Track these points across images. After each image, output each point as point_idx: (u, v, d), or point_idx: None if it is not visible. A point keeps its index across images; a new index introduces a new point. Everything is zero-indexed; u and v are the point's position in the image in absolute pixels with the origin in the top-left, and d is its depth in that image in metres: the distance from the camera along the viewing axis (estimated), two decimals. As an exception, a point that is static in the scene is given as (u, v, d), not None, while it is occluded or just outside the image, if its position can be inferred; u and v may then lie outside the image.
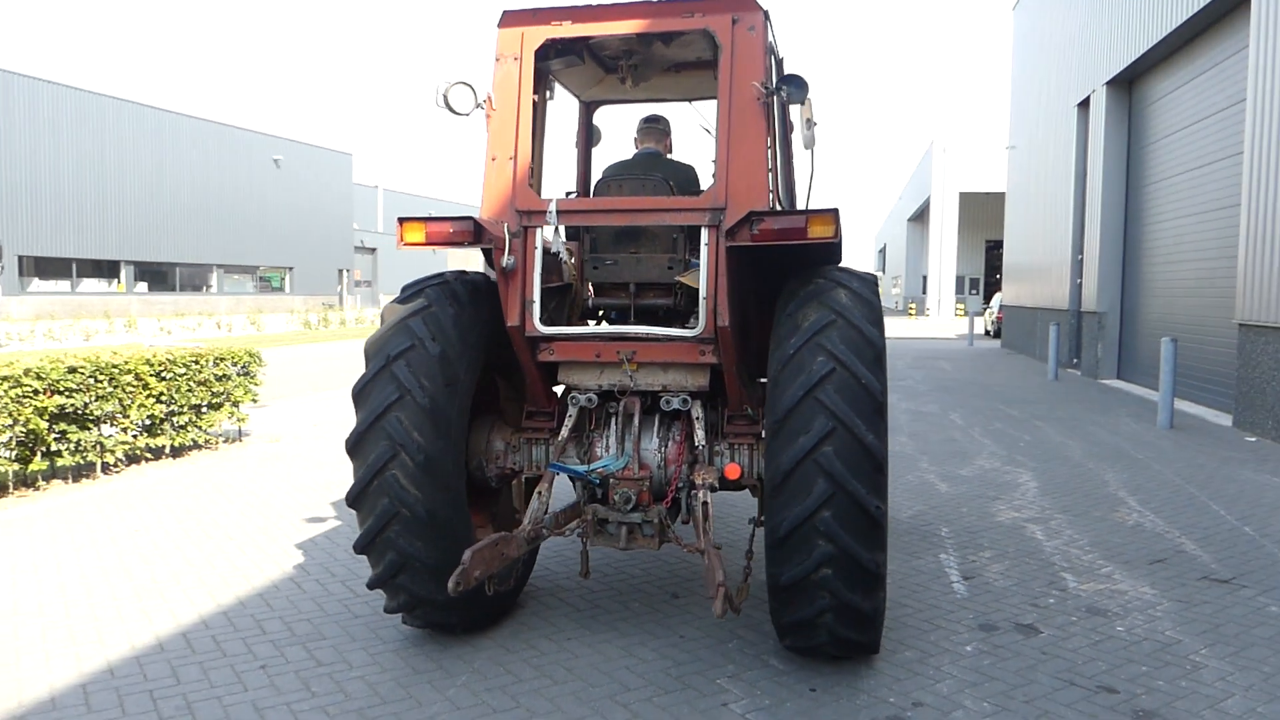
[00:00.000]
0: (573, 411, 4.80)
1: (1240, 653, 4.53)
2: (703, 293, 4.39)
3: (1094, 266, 17.64)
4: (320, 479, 8.70)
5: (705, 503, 4.40)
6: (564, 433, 4.78)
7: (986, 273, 63.65)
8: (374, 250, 67.66)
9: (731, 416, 4.78)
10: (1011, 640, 4.70)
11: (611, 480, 4.59)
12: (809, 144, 4.94)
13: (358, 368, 21.50)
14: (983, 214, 51.98)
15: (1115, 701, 4.01)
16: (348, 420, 12.47)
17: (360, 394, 4.35)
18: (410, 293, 4.63)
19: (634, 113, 5.87)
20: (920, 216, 62.27)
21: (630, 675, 4.32)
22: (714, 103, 6.06)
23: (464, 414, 4.45)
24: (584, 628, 4.91)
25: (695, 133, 6.28)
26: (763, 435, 4.75)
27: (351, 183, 62.73)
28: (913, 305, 50.51)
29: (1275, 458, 9.49)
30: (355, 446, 4.31)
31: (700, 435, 4.62)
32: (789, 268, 4.56)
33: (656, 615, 5.08)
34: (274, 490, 8.22)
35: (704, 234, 4.40)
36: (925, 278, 53.52)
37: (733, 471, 4.62)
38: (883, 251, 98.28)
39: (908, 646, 4.61)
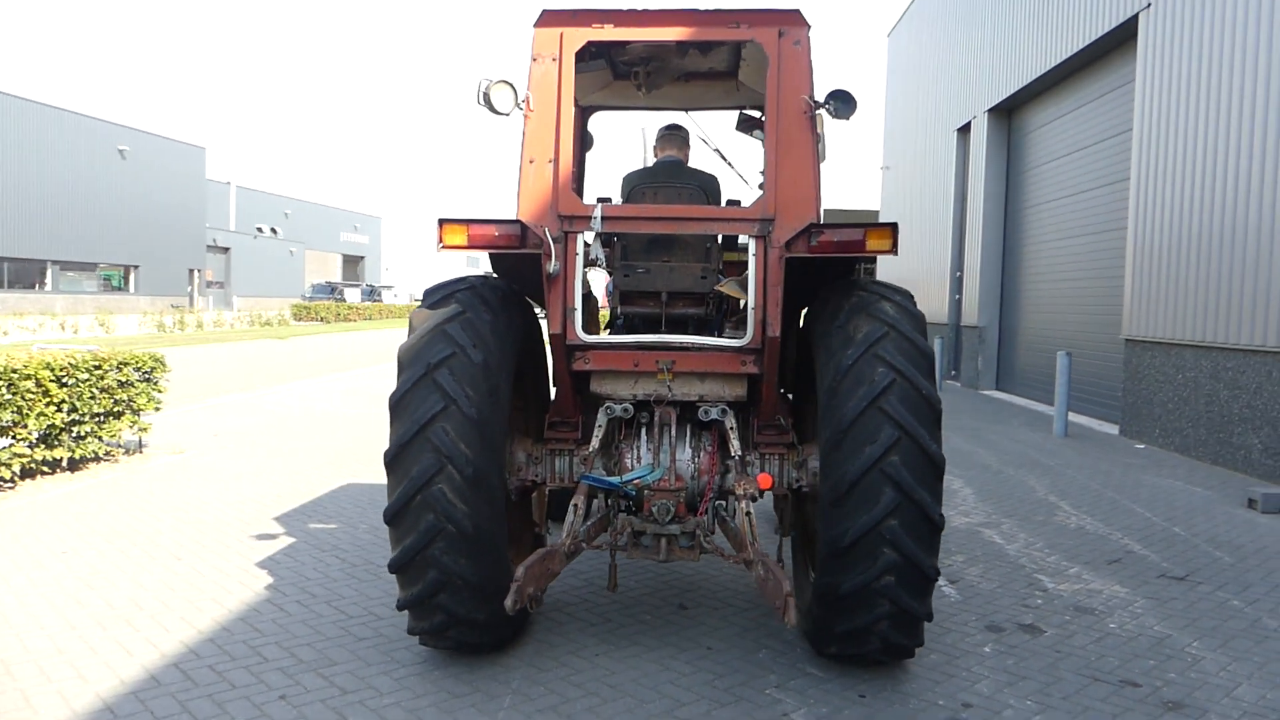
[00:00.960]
0: (603, 422, 4.70)
1: (1226, 645, 4.88)
2: (751, 303, 4.39)
3: (974, 283, 18.68)
4: (248, 492, 8.17)
5: (748, 513, 4.40)
6: (594, 444, 4.67)
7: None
8: (227, 250, 64.20)
9: (762, 426, 4.79)
10: (1022, 640, 4.90)
11: (646, 492, 4.52)
12: (821, 158, 5.03)
13: (239, 375, 20.48)
14: (844, 230, 54.20)
15: (1142, 695, 4.24)
16: (250, 430, 11.82)
17: (399, 404, 4.12)
18: (439, 297, 4.42)
19: (616, 120, 5.83)
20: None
21: (677, 689, 4.25)
22: (710, 114, 6.12)
23: (505, 425, 4.29)
24: (605, 642, 4.80)
25: (729, 142, 6.32)
26: (792, 444, 4.80)
27: (204, 178, 59.35)
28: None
29: (1169, 463, 10.32)
30: (395, 459, 4.08)
31: (735, 445, 4.61)
32: (812, 280, 4.62)
33: (672, 627, 5.03)
34: (202, 505, 7.67)
35: (752, 244, 4.40)
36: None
37: (765, 481, 4.63)
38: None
39: (930, 650, 4.73)
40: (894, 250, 4.15)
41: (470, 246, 4.24)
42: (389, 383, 19.44)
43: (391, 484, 4.12)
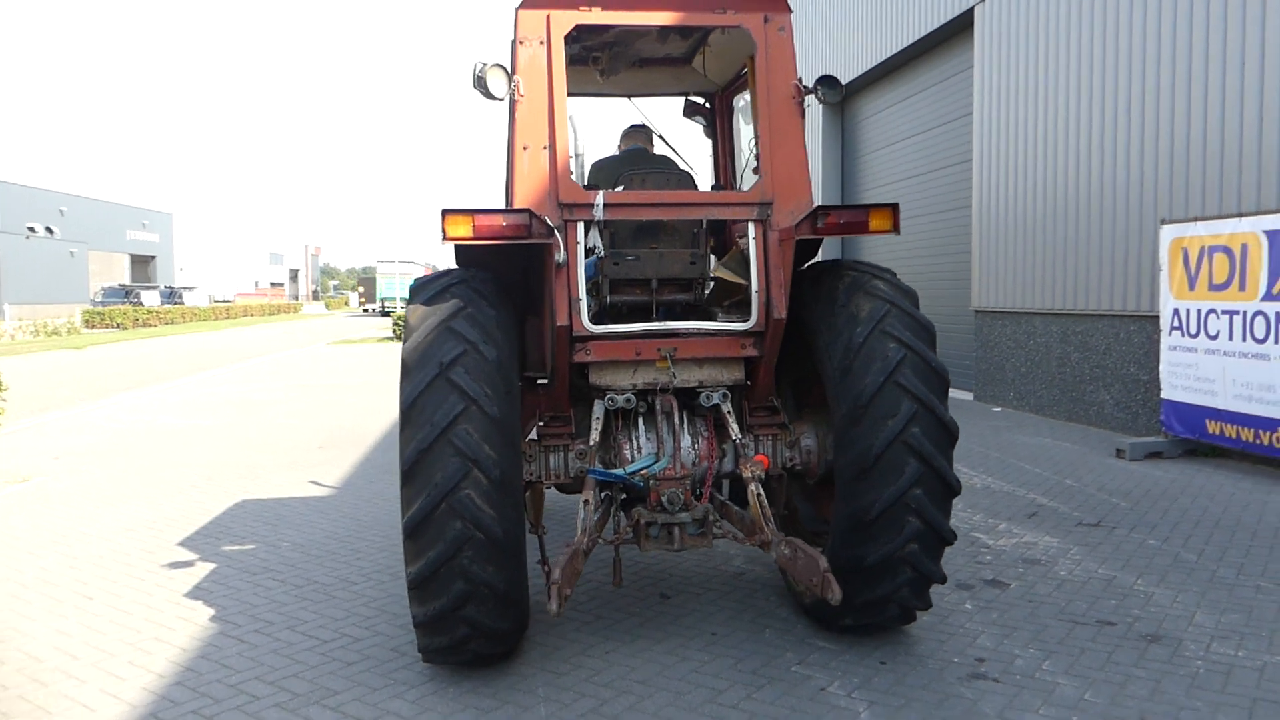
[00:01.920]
0: (600, 414, 4.59)
1: (1164, 579, 5.39)
2: (754, 286, 4.40)
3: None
4: (129, 518, 7.43)
5: (759, 494, 4.43)
6: (594, 437, 4.56)
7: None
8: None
9: (754, 408, 4.83)
10: (993, 594, 5.21)
11: (653, 481, 4.46)
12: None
13: (48, 391, 18.39)
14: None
15: (1121, 632, 4.62)
16: (94, 450, 10.72)
17: (413, 408, 3.86)
18: (433, 292, 4.17)
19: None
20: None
21: (705, 677, 4.23)
22: (661, 99, 6.08)
23: (520, 424, 4.11)
24: (609, 639, 4.71)
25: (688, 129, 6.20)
26: (784, 424, 4.86)
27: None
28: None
29: (1029, 423, 11.24)
30: (414, 467, 3.82)
31: (735, 429, 4.63)
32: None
33: (666, 617, 5.00)
34: (84, 537, 6.90)
35: (751, 228, 4.41)
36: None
37: (763, 463, 4.68)
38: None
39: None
40: (896, 229, 4.28)
41: (476, 238, 4.03)
42: (225, 391, 18.27)
43: (409, 494, 3.86)
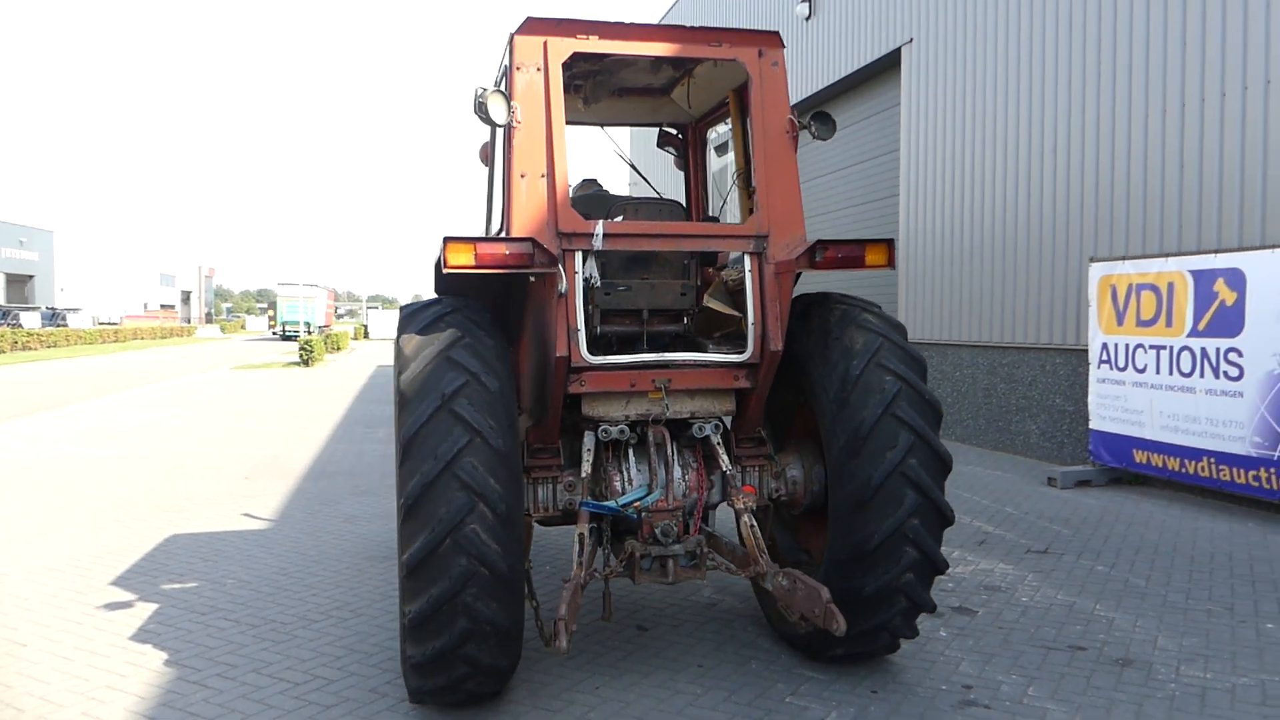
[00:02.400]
0: (590, 445, 4.53)
1: (1120, 604, 5.60)
2: (751, 318, 4.43)
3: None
4: (49, 557, 6.96)
5: (753, 525, 4.44)
6: (585, 469, 4.49)
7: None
8: None
9: (742, 439, 4.84)
10: (965, 621, 5.33)
11: (645, 514, 4.42)
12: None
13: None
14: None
15: (1094, 656, 4.77)
16: None
17: (415, 440, 3.73)
18: (428, 321, 4.06)
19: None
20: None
21: (703, 711, 4.19)
22: (627, 130, 6.09)
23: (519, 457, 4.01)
24: (595, 674, 4.61)
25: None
26: (770, 455, 4.89)
27: None
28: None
29: (959, 453, 11.57)
30: (417, 502, 3.68)
31: (725, 460, 4.63)
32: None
33: (647, 651, 4.94)
34: (10, 577, 6.43)
35: (746, 260, 4.44)
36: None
37: (750, 493, 4.69)
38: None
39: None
40: (891, 264, 4.37)
41: (478, 266, 3.94)
42: (129, 418, 17.44)
43: (410, 530, 3.72)
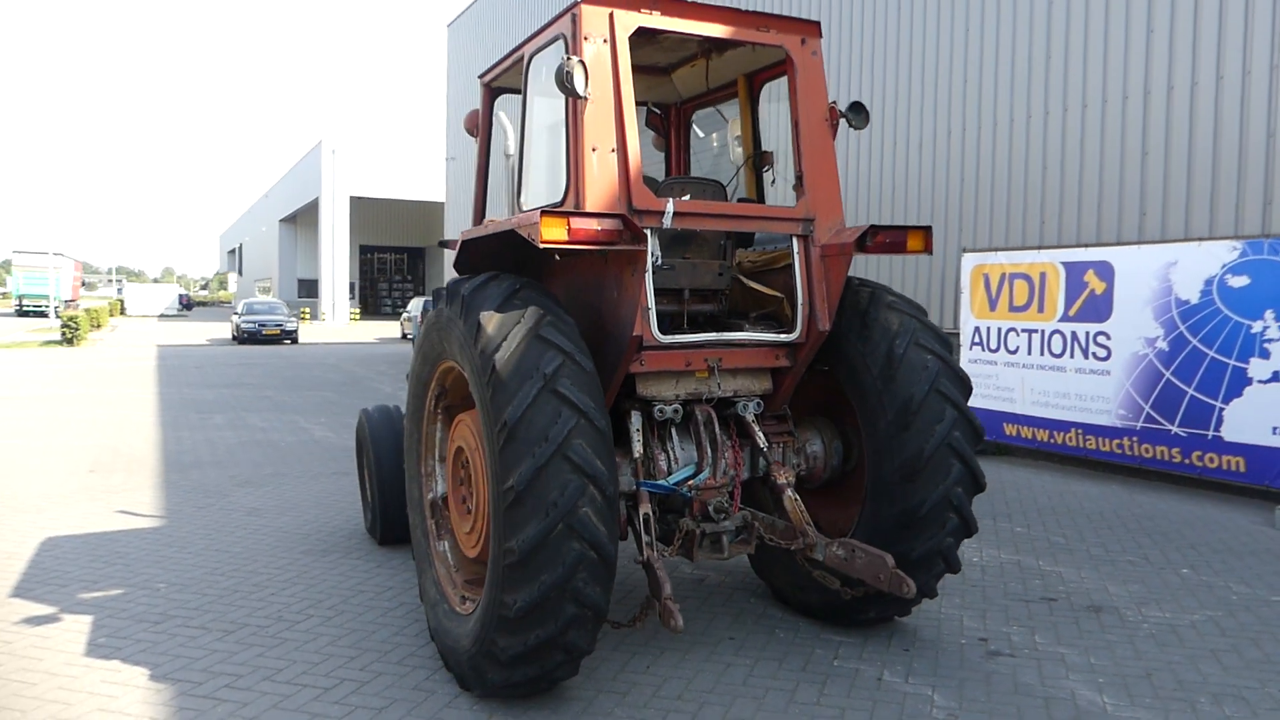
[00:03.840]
0: (639, 425, 4.50)
1: (1057, 559, 6.24)
2: (800, 299, 4.55)
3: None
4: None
5: (796, 499, 4.59)
6: (636, 449, 4.45)
7: (361, 277, 65.14)
8: None
9: (766, 417, 4.96)
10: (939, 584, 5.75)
11: (695, 492, 4.47)
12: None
13: None
14: (358, 219, 52.89)
15: (1067, 605, 5.31)
16: None
17: (520, 424, 3.56)
18: (502, 296, 3.89)
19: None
20: (294, 218, 60.93)
21: (765, 679, 4.29)
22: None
23: None
24: (633, 654, 4.60)
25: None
26: (791, 431, 5.04)
27: None
28: (305, 310, 49.23)
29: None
30: (530, 486, 3.53)
31: (761, 437, 4.73)
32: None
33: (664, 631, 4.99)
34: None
35: (795, 243, 4.56)
36: (316, 282, 52.56)
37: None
38: (235, 252, 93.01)
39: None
40: (929, 249, 4.63)
41: (571, 241, 3.79)
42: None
43: (519, 516, 3.55)
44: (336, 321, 48.58)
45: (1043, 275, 8.87)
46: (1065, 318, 8.67)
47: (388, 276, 71.85)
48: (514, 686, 3.87)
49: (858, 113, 4.80)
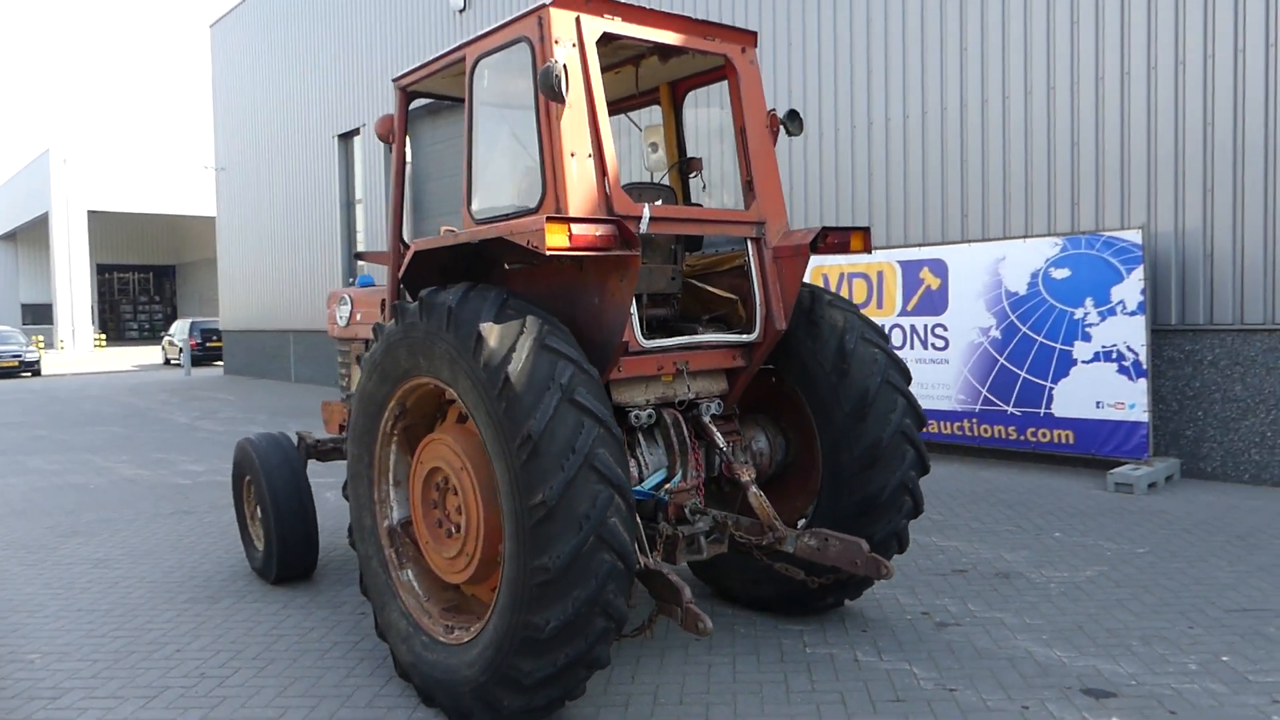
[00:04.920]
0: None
1: (946, 534, 6.76)
2: (758, 300, 4.65)
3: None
4: None
5: (760, 494, 4.70)
6: None
7: (100, 300, 58.98)
8: None
9: (714, 416, 5.02)
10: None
11: (669, 495, 4.48)
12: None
13: None
14: (95, 236, 47.97)
15: (981, 575, 5.75)
16: None
17: (545, 435, 3.42)
18: (494, 307, 3.72)
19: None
20: (14, 236, 54.27)
21: (787, 665, 4.37)
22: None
23: None
24: (632, 659, 4.55)
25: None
26: (737, 430, 5.15)
27: None
28: (39, 338, 43.74)
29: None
30: (561, 500, 3.39)
31: (719, 437, 4.80)
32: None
33: (662, 626, 4.96)
34: None
35: (750, 246, 4.67)
36: (49, 306, 46.91)
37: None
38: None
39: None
40: (869, 249, 4.88)
41: (572, 248, 3.68)
42: None
43: (550, 533, 3.40)
44: (78, 349, 43.66)
45: (880, 274, 9.56)
46: (904, 312, 9.40)
47: (131, 298, 65.68)
48: (532, 713, 3.70)
49: (793, 120, 5.00)
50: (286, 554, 5.82)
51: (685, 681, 4.33)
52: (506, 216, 4.34)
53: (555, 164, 4.02)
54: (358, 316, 6.45)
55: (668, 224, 4.36)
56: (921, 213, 9.91)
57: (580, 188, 4.03)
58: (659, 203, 4.55)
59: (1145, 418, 7.81)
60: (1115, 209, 8.37)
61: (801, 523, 4.97)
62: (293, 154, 22.19)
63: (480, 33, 4.50)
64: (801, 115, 5.16)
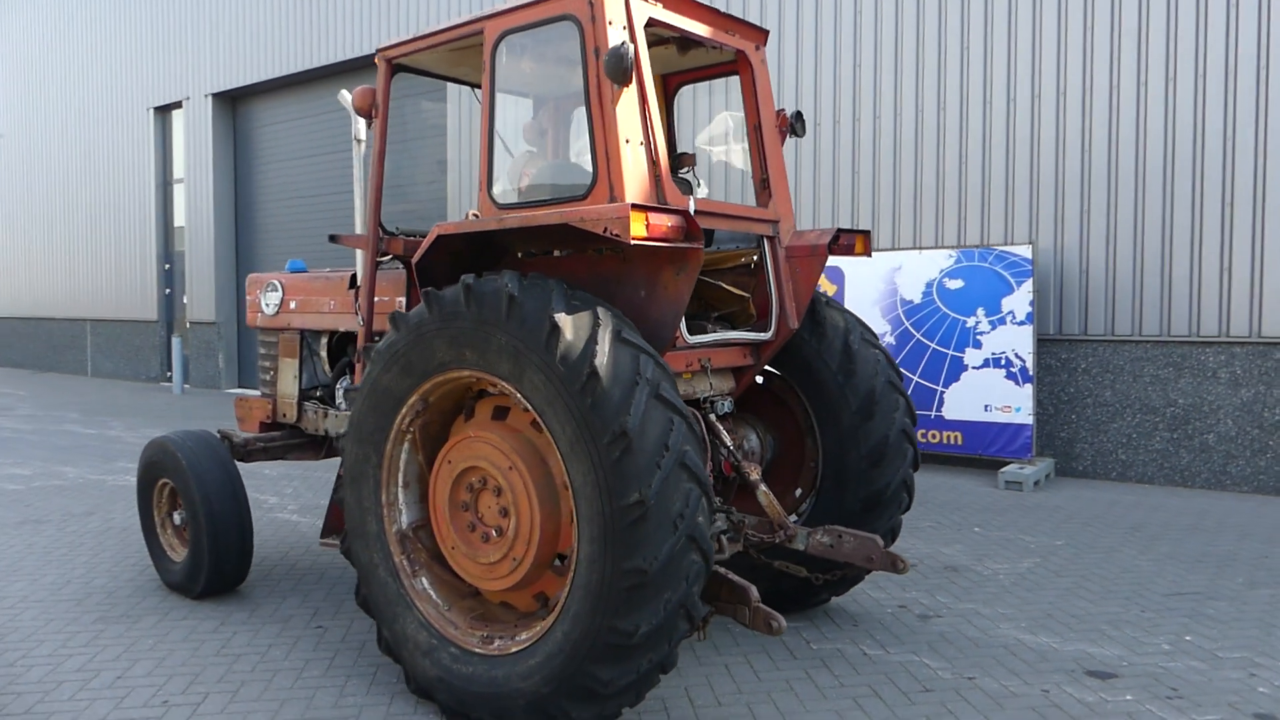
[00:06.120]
0: None
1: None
2: (773, 298, 4.64)
3: (204, 277, 17.58)
4: None
5: (768, 492, 4.69)
6: None
7: None
8: None
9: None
10: (808, 562, 6.19)
11: None
12: None
13: None
14: None
15: (928, 569, 5.99)
16: None
17: (640, 432, 3.25)
18: (558, 296, 3.52)
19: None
20: None
21: (806, 661, 4.36)
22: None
23: None
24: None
25: None
26: (732, 429, 5.12)
27: None
28: None
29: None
30: (657, 501, 3.22)
31: (726, 436, 4.74)
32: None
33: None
34: None
35: (766, 244, 4.64)
36: None
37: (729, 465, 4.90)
38: None
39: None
40: (869, 252, 4.96)
41: (649, 237, 3.52)
42: None
43: (646, 532, 3.22)
44: None
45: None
46: (803, 317, 9.70)
47: None
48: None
49: (799, 120, 5.02)
50: (220, 565, 5.21)
51: (712, 681, 4.25)
52: (538, 204, 4.12)
53: (610, 150, 3.83)
54: (290, 304, 5.89)
55: (709, 219, 4.27)
56: (813, 223, 10.27)
57: (635, 176, 3.86)
58: (703, 195, 4.45)
59: (1030, 420, 8.46)
60: (1000, 226, 9.03)
61: (792, 519, 5.00)
62: (96, 125, 19.98)
63: (503, 7, 4.23)
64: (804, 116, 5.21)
